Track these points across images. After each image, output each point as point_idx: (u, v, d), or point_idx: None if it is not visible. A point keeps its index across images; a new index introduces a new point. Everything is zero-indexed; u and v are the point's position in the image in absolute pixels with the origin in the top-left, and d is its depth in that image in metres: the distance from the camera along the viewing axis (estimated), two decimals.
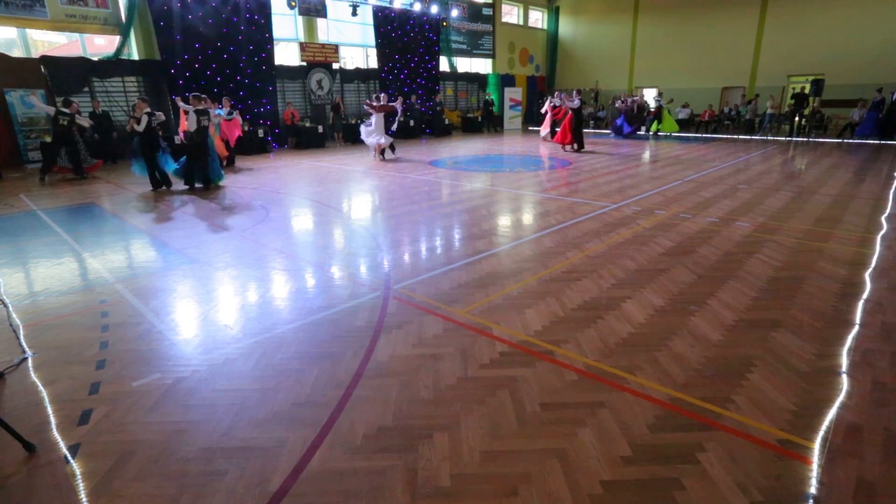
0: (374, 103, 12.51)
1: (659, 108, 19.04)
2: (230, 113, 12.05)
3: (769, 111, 18.42)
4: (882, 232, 5.88)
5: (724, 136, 18.83)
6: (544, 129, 17.36)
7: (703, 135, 19.59)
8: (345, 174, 10.90)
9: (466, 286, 4.37)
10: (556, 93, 15.56)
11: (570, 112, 14.13)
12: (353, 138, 17.42)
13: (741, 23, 20.85)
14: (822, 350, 3.21)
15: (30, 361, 3.23)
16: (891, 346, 3.24)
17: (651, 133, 19.35)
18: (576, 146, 14.31)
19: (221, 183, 9.75)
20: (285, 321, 3.75)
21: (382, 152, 12.97)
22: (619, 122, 19.31)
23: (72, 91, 12.43)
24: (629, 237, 5.79)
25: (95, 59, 12.99)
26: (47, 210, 7.69)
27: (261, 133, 14.91)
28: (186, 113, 9.08)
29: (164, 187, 9.33)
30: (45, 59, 12.16)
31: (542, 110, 17.39)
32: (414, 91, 19.82)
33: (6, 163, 11.64)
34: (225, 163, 10.47)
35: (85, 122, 10.65)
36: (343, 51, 18.27)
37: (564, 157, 13.37)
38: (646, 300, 4.02)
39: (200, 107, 9.00)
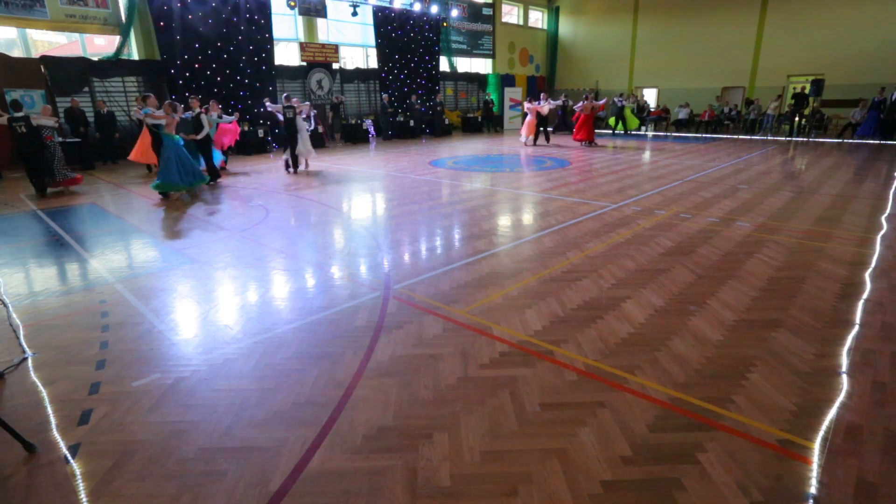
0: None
1: (621, 109, 19.48)
2: (220, 116, 11.02)
3: (769, 111, 18.44)
4: (882, 232, 5.88)
5: (725, 136, 18.83)
6: (527, 134, 15.98)
7: (703, 135, 19.59)
8: (345, 174, 10.90)
9: (466, 286, 4.37)
10: (587, 96, 15.77)
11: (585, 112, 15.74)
12: (353, 138, 17.46)
13: (741, 23, 20.85)
14: (822, 350, 3.21)
15: (30, 361, 3.23)
16: (891, 346, 3.24)
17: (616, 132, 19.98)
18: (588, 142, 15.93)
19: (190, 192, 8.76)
20: (285, 321, 3.75)
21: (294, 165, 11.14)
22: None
23: (72, 91, 12.44)
24: (629, 237, 5.79)
25: (95, 59, 13.00)
26: (47, 210, 7.69)
27: (261, 133, 14.92)
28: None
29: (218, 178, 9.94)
30: (45, 59, 12.17)
31: (533, 106, 15.93)
32: (414, 91, 19.83)
33: (6, 163, 11.64)
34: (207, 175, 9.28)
35: (49, 121, 8.70)
36: (343, 51, 18.28)
37: (564, 156, 13.38)
38: (646, 300, 4.02)
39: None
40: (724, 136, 19.16)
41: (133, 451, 2.39)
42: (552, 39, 26.74)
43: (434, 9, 19.96)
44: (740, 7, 20.76)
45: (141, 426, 2.57)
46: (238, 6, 14.49)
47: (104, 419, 2.63)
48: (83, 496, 2.13)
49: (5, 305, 4.08)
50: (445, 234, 6.16)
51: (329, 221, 6.88)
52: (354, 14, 17.05)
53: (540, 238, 5.84)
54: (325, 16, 17.06)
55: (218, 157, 10.55)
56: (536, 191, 8.75)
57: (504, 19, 24.56)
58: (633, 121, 19.87)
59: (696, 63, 22.33)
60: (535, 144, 16.19)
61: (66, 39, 13.85)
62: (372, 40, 18.64)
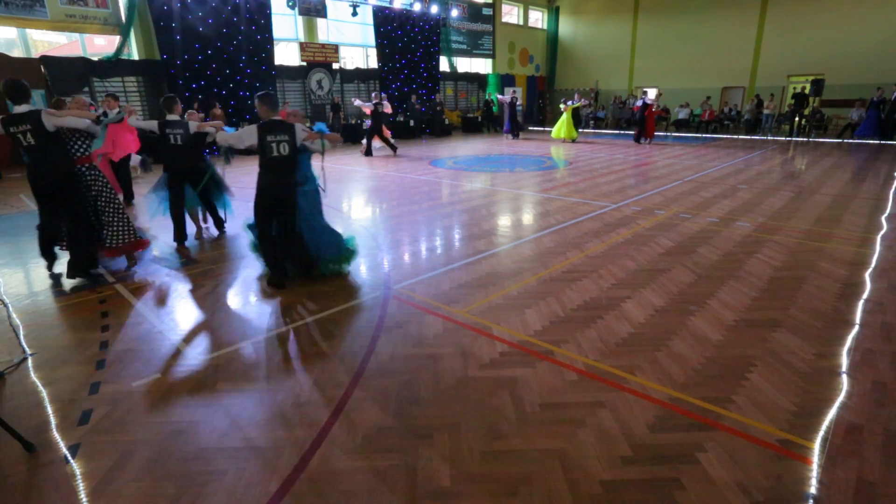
0: None
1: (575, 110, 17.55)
2: (118, 113, 6.78)
3: (765, 111, 18.46)
4: (882, 232, 5.88)
5: (725, 136, 18.83)
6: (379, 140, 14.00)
7: (703, 135, 19.59)
8: (345, 174, 10.90)
9: (466, 286, 4.37)
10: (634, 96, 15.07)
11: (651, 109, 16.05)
12: (352, 138, 17.45)
13: (741, 23, 20.84)
14: (822, 350, 3.21)
15: (30, 361, 3.23)
16: (891, 346, 3.24)
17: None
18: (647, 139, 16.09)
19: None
20: (285, 321, 3.74)
21: None
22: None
23: (72, 91, 12.43)
24: (629, 237, 5.78)
25: (95, 59, 12.99)
26: None
27: None
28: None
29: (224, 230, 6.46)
30: (45, 59, 12.16)
31: (387, 109, 13.85)
32: (414, 91, 19.82)
33: (6, 163, 11.64)
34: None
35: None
36: (343, 51, 18.27)
37: (564, 156, 13.38)
38: (646, 300, 4.02)
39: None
40: (724, 136, 19.16)
41: (133, 451, 2.39)
42: (552, 39, 26.73)
43: (434, 9, 19.94)
44: (740, 7, 20.75)
45: (141, 426, 2.57)
46: (238, 6, 14.47)
47: (104, 419, 2.63)
48: (83, 496, 2.12)
49: (5, 305, 4.07)
50: (445, 234, 6.15)
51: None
52: (354, 14, 17.05)
53: (540, 238, 5.84)
54: (325, 16, 17.06)
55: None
56: (536, 191, 8.75)
57: (504, 19, 24.54)
58: (569, 127, 17.13)
59: (696, 63, 22.31)
60: (371, 153, 13.87)
61: (66, 39, 13.84)
62: (372, 40, 18.63)
